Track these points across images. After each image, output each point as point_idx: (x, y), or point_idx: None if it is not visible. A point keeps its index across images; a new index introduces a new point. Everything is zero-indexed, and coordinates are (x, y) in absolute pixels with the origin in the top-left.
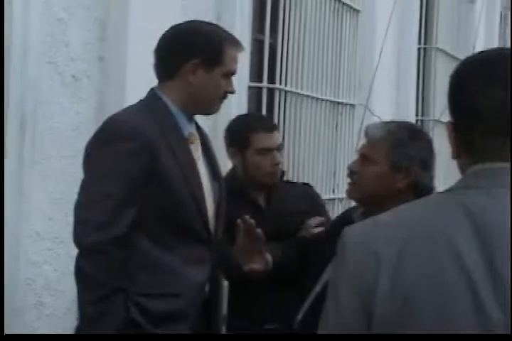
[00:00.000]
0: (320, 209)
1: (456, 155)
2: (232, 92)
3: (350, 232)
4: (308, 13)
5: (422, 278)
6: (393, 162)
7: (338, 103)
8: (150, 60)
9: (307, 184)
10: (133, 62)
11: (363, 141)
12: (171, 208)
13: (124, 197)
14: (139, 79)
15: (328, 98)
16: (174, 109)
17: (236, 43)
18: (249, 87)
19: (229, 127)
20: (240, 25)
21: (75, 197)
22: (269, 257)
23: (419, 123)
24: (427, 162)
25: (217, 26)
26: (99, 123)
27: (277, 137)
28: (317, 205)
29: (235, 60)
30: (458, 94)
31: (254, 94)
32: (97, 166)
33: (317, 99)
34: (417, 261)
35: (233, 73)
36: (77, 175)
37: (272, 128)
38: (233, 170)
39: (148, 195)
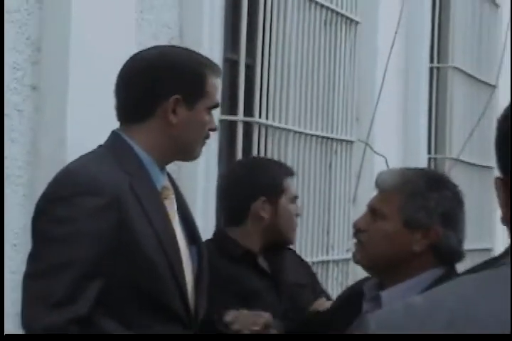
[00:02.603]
0: (315, 282)
1: (508, 218)
2: (214, 130)
3: (375, 321)
4: (294, 26)
5: None
6: (407, 217)
7: (332, 139)
8: (97, 89)
9: (290, 249)
10: (75, 92)
11: (362, 187)
12: (143, 282)
13: (87, 266)
14: (84, 115)
15: (320, 133)
16: (145, 157)
17: (215, 69)
18: (221, 121)
19: (250, 175)
20: (208, 42)
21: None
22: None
23: (432, 161)
24: (452, 217)
25: (190, 50)
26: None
27: None
28: (312, 275)
29: (217, 90)
30: (510, 143)
31: (227, 129)
32: (51, 228)
33: (306, 134)
34: None
35: (217, 106)
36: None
37: (293, 172)
38: (223, 231)
39: (115, 264)
